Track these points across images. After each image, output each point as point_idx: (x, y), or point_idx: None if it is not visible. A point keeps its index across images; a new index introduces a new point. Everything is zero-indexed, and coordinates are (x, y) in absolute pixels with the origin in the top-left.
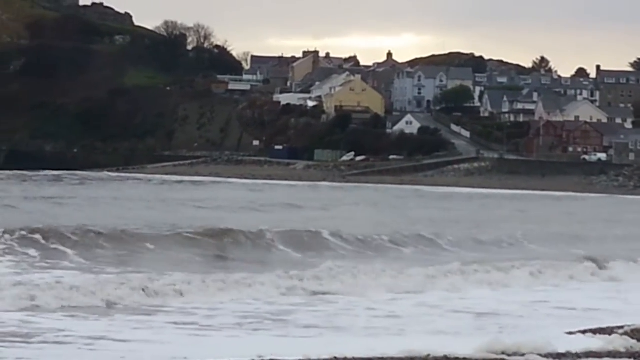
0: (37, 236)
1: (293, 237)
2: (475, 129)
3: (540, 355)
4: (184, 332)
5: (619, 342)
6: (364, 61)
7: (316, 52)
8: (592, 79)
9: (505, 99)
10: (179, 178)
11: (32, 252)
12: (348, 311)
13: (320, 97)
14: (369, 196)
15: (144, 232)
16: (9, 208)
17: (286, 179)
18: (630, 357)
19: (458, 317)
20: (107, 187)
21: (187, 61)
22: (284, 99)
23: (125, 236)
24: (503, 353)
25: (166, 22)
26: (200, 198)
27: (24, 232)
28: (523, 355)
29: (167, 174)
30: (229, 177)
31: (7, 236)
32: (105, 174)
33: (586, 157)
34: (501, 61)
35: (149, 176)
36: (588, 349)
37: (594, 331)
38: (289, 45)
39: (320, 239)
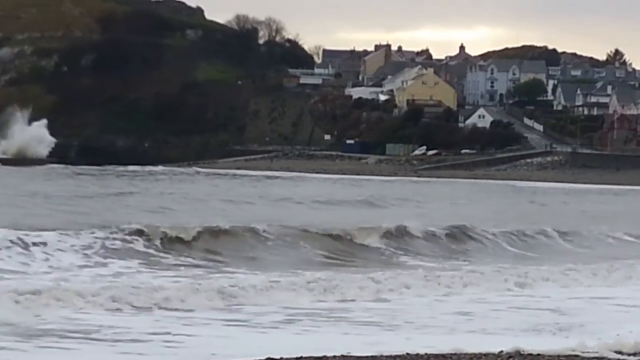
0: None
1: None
2: (548, 122)
3: None
4: None
5: None
6: (436, 54)
7: (388, 46)
8: None
9: (578, 92)
10: (256, 173)
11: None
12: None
13: (392, 90)
14: (464, 190)
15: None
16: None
17: (358, 174)
18: None
19: None
20: (206, 183)
21: (258, 55)
22: (356, 92)
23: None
24: None
25: (237, 16)
26: (301, 194)
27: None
28: None
29: (238, 168)
30: (301, 172)
31: None
32: (194, 169)
33: None
34: (575, 54)
35: (237, 171)
36: None
37: None
38: (360, 38)
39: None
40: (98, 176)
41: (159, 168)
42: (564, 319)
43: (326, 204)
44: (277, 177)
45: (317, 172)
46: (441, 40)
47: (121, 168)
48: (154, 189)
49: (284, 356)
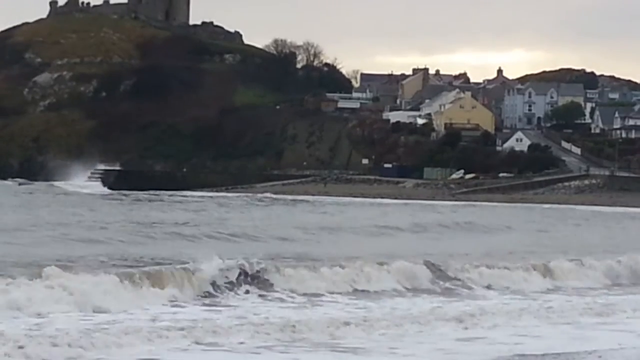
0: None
1: None
2: (586, 145)
3: None
4: None
5: None
6: (473, 78)
7: (426, 70)
8: None
9: (616, 115)
10: (301, 198)
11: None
12: None
13: (429, 114)
14: (527, 215)
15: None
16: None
17: (396, 198)
18: None
19: None
20: (278, 209)
21: (296, 79)
22: (394, 116)
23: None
24: None
25: (275, 41)
26: (388, 221)
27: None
28: None
29: (276, 193)
30: (338, 196)
31: None
32: (267, 195)
33: None
34: (613, 77)
35: (306, 197)
36: None
37: None
38: (397, 62)
39: None
40: (159, 203)
41: (221, 193)
42: None
43: (431, 231)
44: (340, 203)
45: (354, 197)
46: (478, 64)
47: (169, 193)
48: (249, 214)
49: None
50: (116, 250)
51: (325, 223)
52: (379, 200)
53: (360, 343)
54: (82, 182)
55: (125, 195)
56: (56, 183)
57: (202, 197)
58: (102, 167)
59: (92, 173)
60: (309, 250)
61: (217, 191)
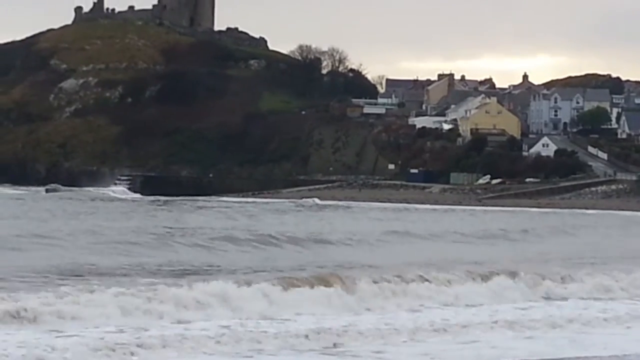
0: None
1: None
2: (613, 150)
3: None
4: None
5: None
6: (499, 83)
7: (451, 75)
8: None
9: None
10: (347, 203)
11: None
12: None
13: (455, 120)
14: (574, 220)
15: None
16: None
17: (422, 203)
18: None
19: None
20: (334, 214)
21: (321, 85)
22: (419, 122)
23: None
24: None
25: (300, 46)
26: (451, 227)
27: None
28: None
29: (302, 198)
30: (364, 201)
31: None
32: (314, 200)
33: None
34: (639, 82)
35: (352, 203)
36: None
37: None
38: (421, 67)
39: None
40: (202, 208)
41: (265, 199)
42: None
43: (502, 238)
44: (387, 209)
45: (381, 202)
46: (502, 69)
47: (203, 198)
48: (303, 224)
49: None
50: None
51: (401, 229)
52: (417, 205)
53: None
54: (110, 187)
55: (159, 200)
56: (86, 189)
57: (242, 202)
58: (128, 172)
59: (118, 179)
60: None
61: (244, 196)
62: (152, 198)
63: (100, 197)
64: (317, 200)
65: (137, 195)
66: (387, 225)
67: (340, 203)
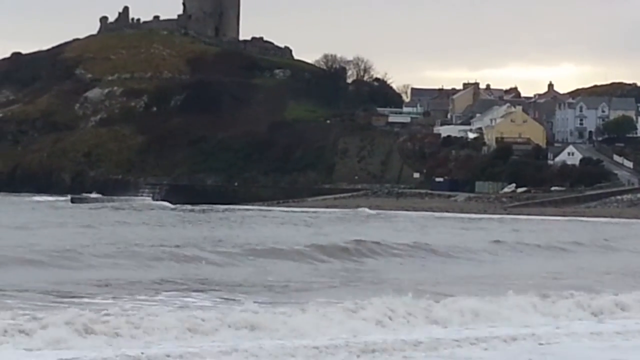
0: None
1: None
2: (638, 159)
3: None
4: None
5: None
6: (524, 92)
7: (476, 84)
8: None
9: None
10: (396, 213)
11: None
12: None
13: (480, 128)
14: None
15: None
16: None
17: (447, 211)
18: None
19: None
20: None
21: (347, 94)
22: (445, 131)
23: None
24: None
25: (326, 56)
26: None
27: None
28: None
29: (327, 207)
30: (391, 210)
31: None
32: (365, 210)
33: None
34: None
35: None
36: None
37: None
38: (446, 77)
39: None
40: (243, 217)
41: (310, 208)
42: None
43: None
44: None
45: (406, 210)
46: (526, 78)
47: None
48: (389, 233)
49: None
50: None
51: (501, 238)
52: (463, 215)
53: None
54: (141, 196)
55: (200, 210)
56: (118, 198)
57: (285, 211)
58: (153, 181)
59: (145, 188)
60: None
61: (268, 205)
62: (190, 207)
63: (139, 207)
64: (367, 210)
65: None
66: (479, 234)
67: (390, 212)
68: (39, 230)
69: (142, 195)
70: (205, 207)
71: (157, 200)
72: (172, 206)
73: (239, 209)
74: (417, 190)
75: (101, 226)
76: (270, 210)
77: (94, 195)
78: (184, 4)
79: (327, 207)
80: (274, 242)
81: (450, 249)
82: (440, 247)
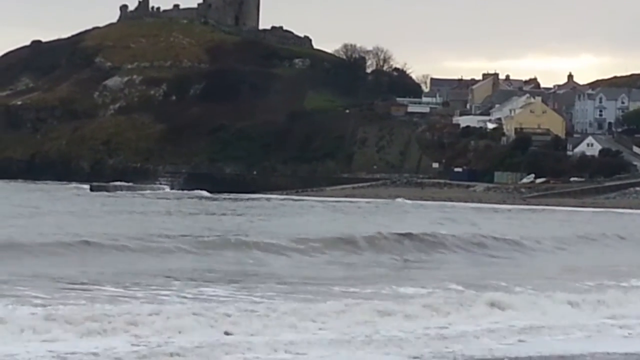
0: None
1: None
2: None
3: None
4: None
5: None
6: (544, 83)
7: (496, 75)
8: None
9: None
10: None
11: None
12: None
13: (500, 119)
14: None
15: None
16: None
17: (466, 201)
18: None
19: None
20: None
21: (366, 84)
22: (464, 121)
23: None
24: None
25: (345, 45)
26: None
27: None
28: None
29: (346, 196)
30: (410, 199)
31: None
32: (401, 200)
33: None
34: None
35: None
36: None
37: None
38: (466, 67)
39: None
40: (284, 206)
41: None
42: None
43: None
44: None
45: (425, 200)
46: (545, 69)
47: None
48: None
49: None
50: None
51: (581, 232)
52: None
53: None
54: (160, 184)
55: (230, 198)
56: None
57: (320, 200)
58: (172, 170)
59: (163, 176)
60: None
61: (287, 194)
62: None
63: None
64: (405, 200)
65: (208, 193)
66: (537, 225)
67: (427, 203)
68: (97, 217)
69: (160, 184)
70: (233, 195)
71: (174, 188)
72: (209, 195)
73: (267, 198)
74: (436, 180)
75: (154, 215)
76: (303, 200)
77: (117, 183)
78: None
79: (363, 196)
80: (360, 232)
81: (539, 241)
82: (527, 239)
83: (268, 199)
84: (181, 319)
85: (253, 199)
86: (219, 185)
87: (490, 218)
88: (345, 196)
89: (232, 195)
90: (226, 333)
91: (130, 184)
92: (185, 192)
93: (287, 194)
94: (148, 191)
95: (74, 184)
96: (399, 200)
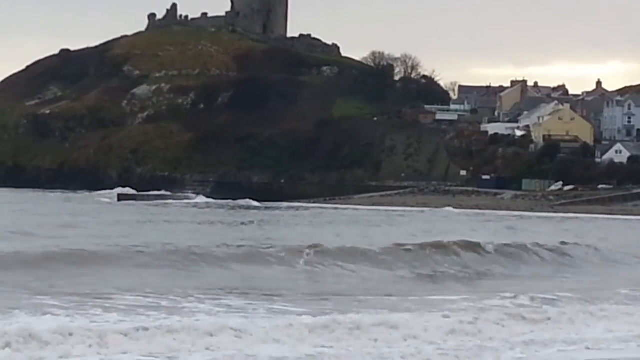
0: None
1: None
2: None
3: None
4: None
5: None
6: (572, 90)
7: (524, 82)
8: None
9: None
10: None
11: None
12: None
13: (528, 126)
14: None
15: None
16: None
17: (494, 209)
18: None
19: None
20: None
21: (394, 91)
22: (492, 128)
23: None
24: None
25: (373, 53)
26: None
27: None
28: None
29: (374, 204)
30: (436, 207)
31: None
32: (450, 209)
33: None
34: None
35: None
36: None
37: None
38: (494, 74)
39: None
40: (327, 215)
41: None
42: None
43: None
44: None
45: (453, 207)
46: (573, 75)
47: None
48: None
49: None
50: None
51: None
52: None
53: None
54: (183, 193)
55: (272, 207)
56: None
57: (366, 209)
58: (199, 178)
59: (191, 184)
60: None
61: (314, 202)
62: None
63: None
64: (451, 209)
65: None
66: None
67: (468, 211)
68: (143, 226)
69: (188, 192)
70: (272, 204)
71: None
72: (258, 204)
73: (304, 207)
74: (464, 188)
75: (208, 225)
76: (345, 209)
77: (154, 193)
78: (232, 1)
79: (416, 205)
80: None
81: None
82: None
83: (306, 208)
84: None
85: (292, 208)
86: (246, 193)
87: (556, 226)
88: (373, 204)
89: (273, 204)
90: None
91: (168, 192)
92: (230, 201)
93: (314, 202)
94: (185, 200)
95: (117, 190)
96: (448, 209)
